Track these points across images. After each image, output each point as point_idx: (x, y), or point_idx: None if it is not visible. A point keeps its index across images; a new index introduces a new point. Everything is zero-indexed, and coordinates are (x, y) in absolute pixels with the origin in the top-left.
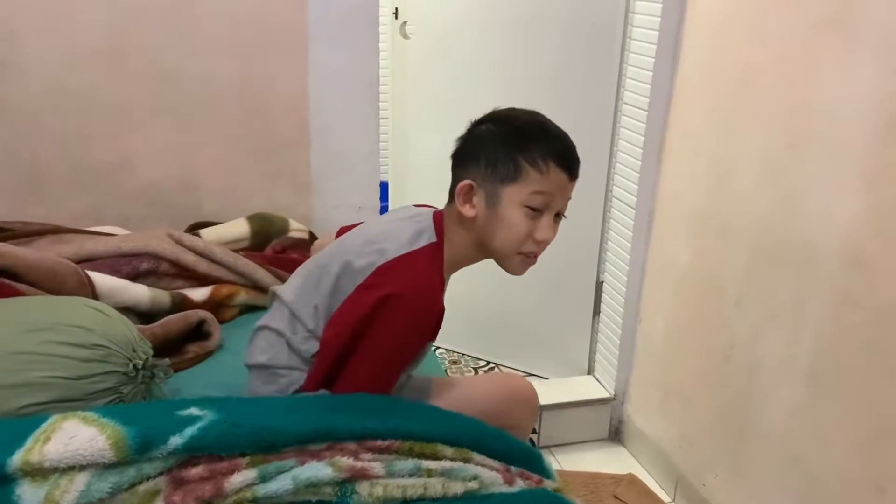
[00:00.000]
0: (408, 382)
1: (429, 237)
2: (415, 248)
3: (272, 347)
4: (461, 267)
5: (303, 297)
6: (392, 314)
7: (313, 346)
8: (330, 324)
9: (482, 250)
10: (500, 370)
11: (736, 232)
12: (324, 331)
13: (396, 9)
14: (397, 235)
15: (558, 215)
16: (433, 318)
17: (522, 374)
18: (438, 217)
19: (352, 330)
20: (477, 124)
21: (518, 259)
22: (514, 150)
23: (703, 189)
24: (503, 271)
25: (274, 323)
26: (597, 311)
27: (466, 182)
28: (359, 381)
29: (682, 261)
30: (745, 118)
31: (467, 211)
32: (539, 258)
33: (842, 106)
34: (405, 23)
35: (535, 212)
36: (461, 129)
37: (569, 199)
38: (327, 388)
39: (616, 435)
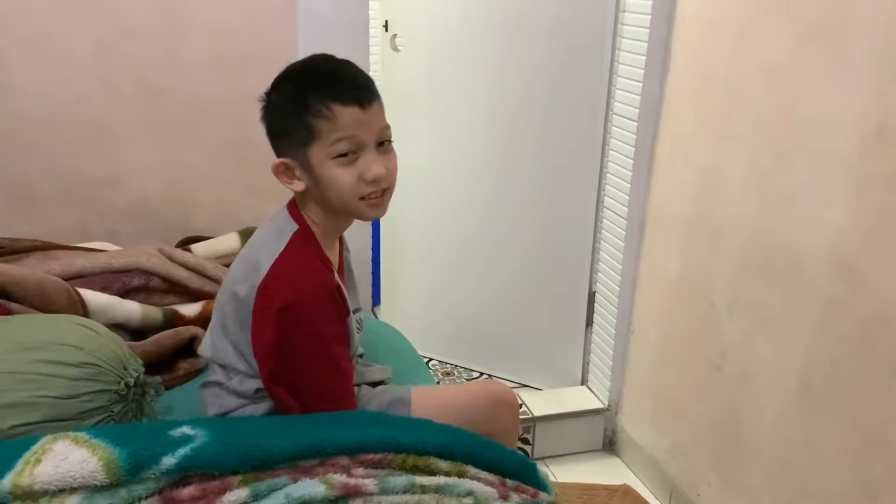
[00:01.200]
0: (388, 391)
1: (291, 228)
2: (282, 245)
3: (218, 398)
4: (338, 234)
5: (218, 347)
6: (294, 323)
7: (253, 384)
8: (259, 368)
9: (336, 212)
10: None
11: (725, 241)
12: (263, 382)
13: (386, 21)
14: (265, 242)
15: (383, 145)
16: (330, 300)
17: (516, 385)
18: (292, 204)
19: (276, 359)
20: (267, 97)
21: (364, 205)
22: (297, 110)
23: (693, 198)
24: (496, 282)
25: (212, 377)
26: (589, 322)
27: (278, 162)
28: (318, 392)
29: (673, 270)
30: (733, 127)
31: (296, 186)
32: (532, 268)
33: (829, 114)
34: (395, 35)
35: (350, 156)
36: (451, 138)
37: (382, 126)
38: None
39: (610, 445)
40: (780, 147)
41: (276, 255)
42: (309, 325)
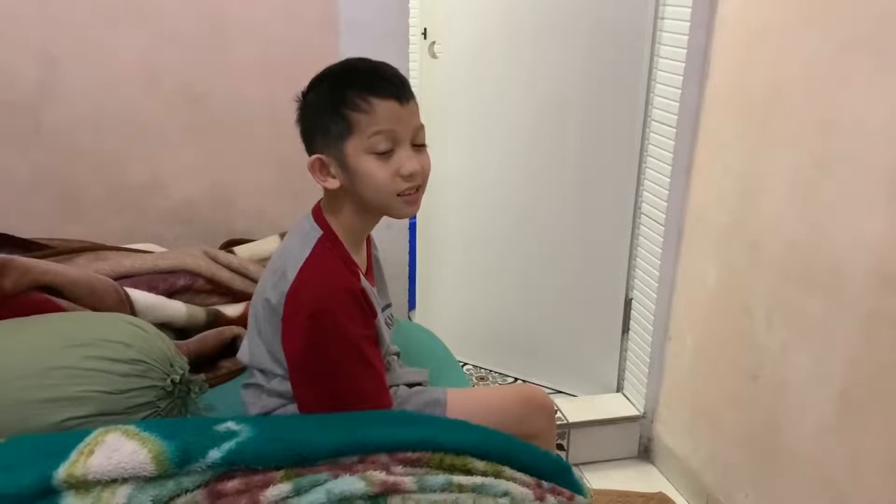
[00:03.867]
0: (423, 392)
1: (315, 233)
2: (307, 251)
3: (260, 399)
4: (365, 234)
5: (255, 352)
6: (323, 328)
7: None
8: (292, 380)
9: (368, 211)
10: None
11: (764, 249)
12: (292, 386)
13: (425, 29)
14: (289, 250)
15: (419, 147)
16: (356, 305)
17: (551, 391)
18: (316, 209)
19: (308, 363)
20: (302, 98)
21: (399, 201)
22: (334, 104)
23: (732, 206)
24: (532, 287)
25: (252, 379)
26: (626, 329)
27: (313, 159)
28: (354, 392)
29: (711, 279)
30: (772, 136)
31: (330, 184)
32: (569, 274)
33: (870, 123)
34: (434, 43)
35: (386, 153)
36: (488, 143)
37: (418, 125)
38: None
39: (645, 453)
40: (821, 155)
41: (301, 262)
42: (338, 329)
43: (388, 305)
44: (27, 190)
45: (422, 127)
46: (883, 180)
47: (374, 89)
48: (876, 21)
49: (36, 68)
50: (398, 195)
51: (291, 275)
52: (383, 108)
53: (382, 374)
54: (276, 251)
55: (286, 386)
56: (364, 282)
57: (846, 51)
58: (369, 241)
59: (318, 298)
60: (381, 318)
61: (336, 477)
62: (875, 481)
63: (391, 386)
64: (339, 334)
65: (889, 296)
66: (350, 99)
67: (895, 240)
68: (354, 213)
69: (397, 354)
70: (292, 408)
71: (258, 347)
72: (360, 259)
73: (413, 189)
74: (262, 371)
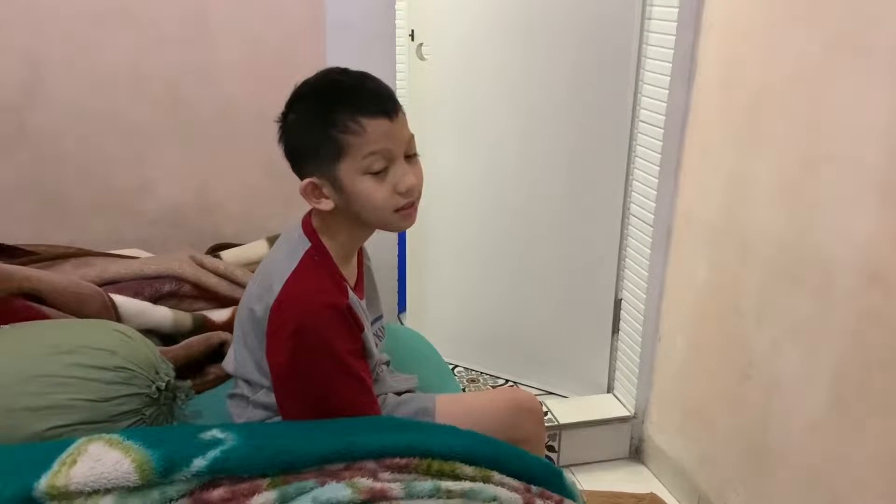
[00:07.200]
0: (412, 400)
1: (303, 246)
2: (294, 264)
3: (245, 411)
4: (357, 247)
5: (241, 362)
6: (308, 344)
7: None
8: (277, 393)
9: (363, 227)
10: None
11: (753, 249)
12: (277, 400)
13: (413, 31)
14: (277, 262)
15: (410, 157)
16: (341, 320)
17: (542, 392)
18: (307, 221)
19: (294, 380)
20: (283, 118)
21: (397, 217)
22: (322, 128)
23: (720, 206)
24: (522, 289)
25: (237, 390)
26: (616, 329)
27: (306, 183)
28: (342, 406)
29: (701, 278)
30: (760, 135)
31: (324, 205)
32: (559, 275)
33: (857, 122)
34: (421, 44)
35: (382, 171)
36: (477, 145)
37: (409, 136)
38: None
39: (637, 454)
40: (809, 155)
41: (286, 276)
42: (323, 344)
43: (380, 317)
44: (11, 194)
45: (412, 137)
46: (870, 179)
47: (363, 109)
48: (861, 20)
49: (20, 70)
50: (396, 211)
51: (277, 288)
52: (374, 128)
53: (370, 386)
54: (264, 260)
55: (272, 398)
56: (351, 296)
57: (831, 50)
58: (361, 251)
59: (302, 314)
60: (368, 331)
61: (323, 484)
62: (865, 478)
63: (379, 395)
64: (324, 349)
65: (877, 294)
66: (339, 121)
67: (882, 238)
68: (348, 229)
69: (387, 363)
70: (277, 419)
71: (244, 357)
72: (350, 271)
73: (410, 203)
74: (247, 382)
